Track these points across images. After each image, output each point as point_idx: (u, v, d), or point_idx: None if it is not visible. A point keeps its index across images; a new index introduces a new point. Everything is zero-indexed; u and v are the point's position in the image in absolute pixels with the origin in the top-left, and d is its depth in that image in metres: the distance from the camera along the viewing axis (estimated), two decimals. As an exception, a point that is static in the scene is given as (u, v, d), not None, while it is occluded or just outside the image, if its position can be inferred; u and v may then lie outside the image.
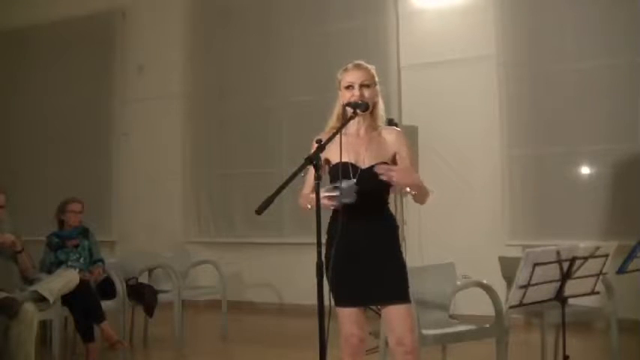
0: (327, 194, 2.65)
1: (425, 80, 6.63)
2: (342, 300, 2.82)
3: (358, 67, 2.95)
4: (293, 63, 7.34)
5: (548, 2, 6.16)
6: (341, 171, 2.82)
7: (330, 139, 2.68)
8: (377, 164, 2.84)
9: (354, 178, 2.82)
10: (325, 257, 2.78)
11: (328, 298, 2.58)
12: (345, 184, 2.68)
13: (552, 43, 6.12)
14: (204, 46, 7.96)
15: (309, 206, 2.73)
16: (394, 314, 2.84)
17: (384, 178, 2.69)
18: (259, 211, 2.39)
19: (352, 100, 2.87)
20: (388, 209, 2.97)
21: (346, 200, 2.68)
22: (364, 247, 2.85)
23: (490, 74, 6.32)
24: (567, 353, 3.18)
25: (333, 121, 2.98)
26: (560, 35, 6.08)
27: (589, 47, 5.95)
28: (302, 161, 2.53)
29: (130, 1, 8.41)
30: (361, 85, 2.90)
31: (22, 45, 8.99)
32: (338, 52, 6.80)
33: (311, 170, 2.73)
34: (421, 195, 2.87)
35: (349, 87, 2.91)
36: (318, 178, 2.53)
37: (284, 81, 7.41)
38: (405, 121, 6.35)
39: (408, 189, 2.81)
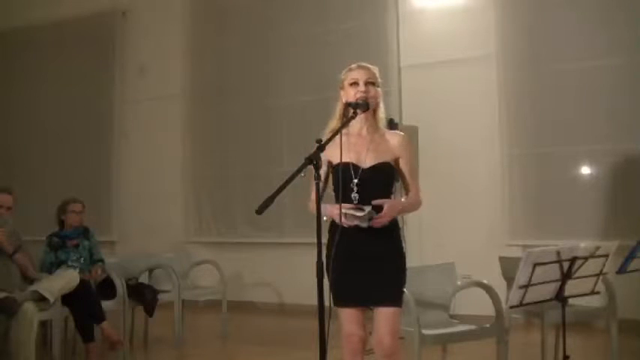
0: (347, 212, 2.73)
1: (425, 80, 6.62)
2: (340, 300, 2.83)
3: (363, 66, 2.97)
4: (293, 63, 7.34)
5: (548, 2, 6.16)
6: (341, 171, 2.83)
7: (330, 139, 2.69)
8: (378, 164, 2.87)
9: (355, 178, 2.84)
10: (326, 257, 2.78)
11: (328, 298, 2.58)
12: (367, 209, 2.74)
13: (552, 43, 6.12)
14: (204, 46, 7.97)
15: (325, 218, 2.79)
16: (380, 316, 2.86)
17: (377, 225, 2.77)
18: (259, 211, 2.40)
19: (357, 96, 2.88)
20: None
21: (362, 224, 2.75)
22: (364, 248, 2.85)
23: (490, 74, 6.32)
24: (567, 353, 3.19)
25: (334, 122, 2.97)
26: (560, 35, 6.08)
27: (589, 47, 5.94)
28: (302, 161, 2.53)
29: (130, 1, 8.41)
30: (366, 83, 2.91)
31: (22, 45, 9.00)
32: (338, 52, 6.80)
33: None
34: (410, 211, 3.03)
35: (354, 84, 2.92)
36: (317, 178, 2.54)
37: (284, 81, 7.41)
38: (405, 121, 6.35)
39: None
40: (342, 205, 2.75)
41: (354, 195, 2.84)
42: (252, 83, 7.61)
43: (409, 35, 6.76)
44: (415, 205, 3.00)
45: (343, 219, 2.74)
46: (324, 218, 2.79)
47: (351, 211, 2.74)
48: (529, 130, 6.21)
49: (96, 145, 8.49)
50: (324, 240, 2.59)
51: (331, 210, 2.81)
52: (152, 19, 8.25)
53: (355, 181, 2.84)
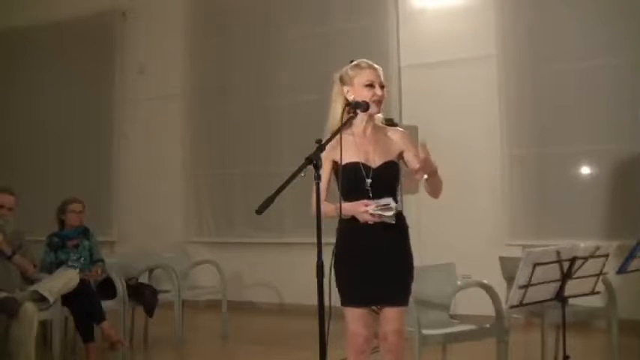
0: (375, 212, 2.73)
1: (425, 80, 6.62)
2: (349, 299, 2.84)
3: (375, 67, 2.93)
4: (293, 63, 7.34)
5: (548, 2, 6.16)
6: (351, 171, 2.84)
7: (330, 139, 2.69)
8: (386, 162, 2.88)
9: (367, 178, 2.85)
10: (334, 255, 2.78)
11: (329, 298, 2.58)
12: (392, 205, 2.76)
13: (552, 43, 6.11)
14: (204, 46, 7.96)
15: (334, 214, 2.79)
16: (387, 314, 2.88)
17: (423, 171, 2.73)
18: (260, 211, 2.40)
19: (374, 99, 2.87)
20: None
21: (390, 221, 2.77)
22: (374, 247, 2.85)
23: (490, 74, 6.31)
24: (567, 353, 3.19)
25: (337, 121, 2.84)
26: (561, 35, 6.08)
27: (589, 47, 5.94)
28: (302, 161, 2.53)
29: (130, 1, 8.41)
30: (380, 85, 2.91)
31: (22, 45, 9.00)
32: (338, 52, 6.80)
33: (324, 173, 2.80)
34: (437, 185, 2.90)
35: (369, 85, 2.89)
36: (317, 178, 2.55)
37: (284, 81, 7.41)
38: (405, 121, 6.34)
39: (426, 176, 2.80)
40: (369, 202, 2.77)
41: (370, 195, 2.84)
42: (252, 83, 7.61)
43: (409, 35, 6.76)
44: (441, 184, 2.94)
45: (370, 217, 2.75)
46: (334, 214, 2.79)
47: (378, 211, 2.75)
48: (529, 130, 6.20)
49: (96, 145, 8.49)
50: (325, 240, 2.59)
51: (353, 208, 2.80)
52: (152, 19, 8.25)
53: (368, 181, 2.85)
